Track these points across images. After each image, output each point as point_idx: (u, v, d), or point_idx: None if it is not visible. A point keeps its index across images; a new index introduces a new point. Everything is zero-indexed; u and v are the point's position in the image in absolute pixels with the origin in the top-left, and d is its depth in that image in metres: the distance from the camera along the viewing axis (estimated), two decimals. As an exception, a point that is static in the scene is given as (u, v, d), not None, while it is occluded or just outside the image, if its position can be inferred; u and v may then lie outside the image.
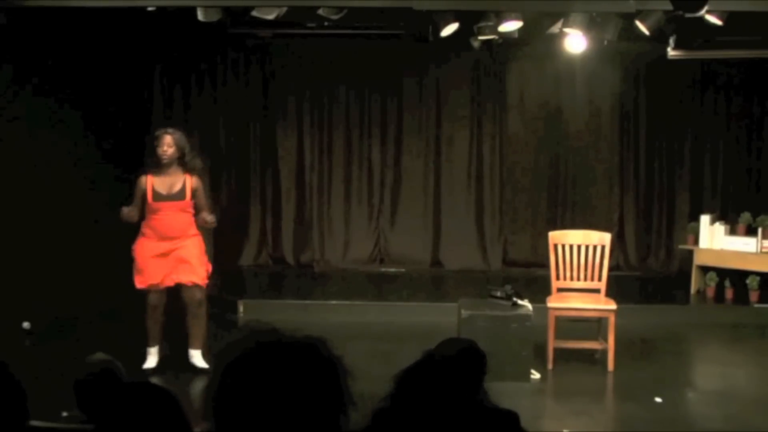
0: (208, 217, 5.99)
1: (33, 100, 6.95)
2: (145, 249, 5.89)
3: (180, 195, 5.87)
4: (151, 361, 6.04)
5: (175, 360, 6.05)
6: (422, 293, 8.60)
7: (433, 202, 9.66)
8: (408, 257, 9.61)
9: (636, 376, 6.04)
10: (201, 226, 6.05)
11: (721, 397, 5.72)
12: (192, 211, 5.96)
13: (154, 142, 5.96)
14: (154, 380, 5.49)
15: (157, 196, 5.85)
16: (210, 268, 6.10)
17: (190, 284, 5.88)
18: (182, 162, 5.91)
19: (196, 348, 5.97)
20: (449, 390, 1.95)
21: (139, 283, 5.89)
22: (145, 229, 5.92)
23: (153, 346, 6.04)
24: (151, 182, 5.87)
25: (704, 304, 8.16)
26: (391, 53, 9.21)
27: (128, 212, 5.86)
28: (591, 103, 9.53)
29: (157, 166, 5.89)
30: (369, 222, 9.69)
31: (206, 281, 6.01)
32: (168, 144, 5.87)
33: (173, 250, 5.87)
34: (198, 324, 5.98)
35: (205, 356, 5.95)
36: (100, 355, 3.03)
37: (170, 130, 6.00)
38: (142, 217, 5.93)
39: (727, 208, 9.16)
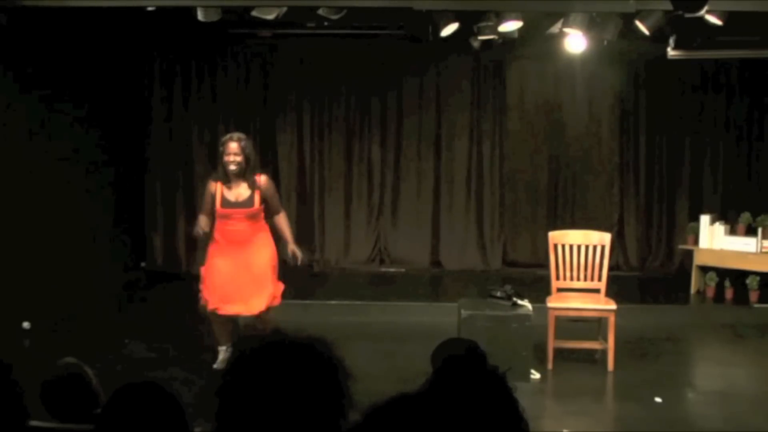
0: (298, 254, 5.86)
1: (33, 99, 6.95)
2: (215, 266, 5.70)
3: (248, 202, 5.64)
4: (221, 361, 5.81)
5: (175, 358, 6.05)
6: (422, 293, 8.59)
7: (432, 202, 9.65)
8: (408, 257, 9.61)
9: (636, 376, 6.03)
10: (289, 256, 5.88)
11: (721, 397, 5.71)
12: (262, 215, 5.78)
13: (220, 148, 5.69)
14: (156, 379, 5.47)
15: (226, 203, 5.64)
16: (281, 288, 5.92)
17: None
18: (247, 169, 5.62)
19: None
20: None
21: (209, 304, 5.69)
22: (216, 234, 5.76)
23: (224, 345, 5.83)
24: (221, 188, 5.65)
25: (704, 304, 8.16)
26: (391, 53, 9.20)
27: (202, 221, 5.66)
28: (591, 103, 9.52)
29: (225, 176, 5.63)
30: (369, 222, 9.69)
31: (272, 303, 5.82)
32: (235, 152, 5.56)
33: (245, 263, 5.68)
34: (263, 326, 5.80)
35: None
36: (68, 359, 3.01)
37: (236, 135, 5.68)
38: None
39: (727, 208, 9.15)
